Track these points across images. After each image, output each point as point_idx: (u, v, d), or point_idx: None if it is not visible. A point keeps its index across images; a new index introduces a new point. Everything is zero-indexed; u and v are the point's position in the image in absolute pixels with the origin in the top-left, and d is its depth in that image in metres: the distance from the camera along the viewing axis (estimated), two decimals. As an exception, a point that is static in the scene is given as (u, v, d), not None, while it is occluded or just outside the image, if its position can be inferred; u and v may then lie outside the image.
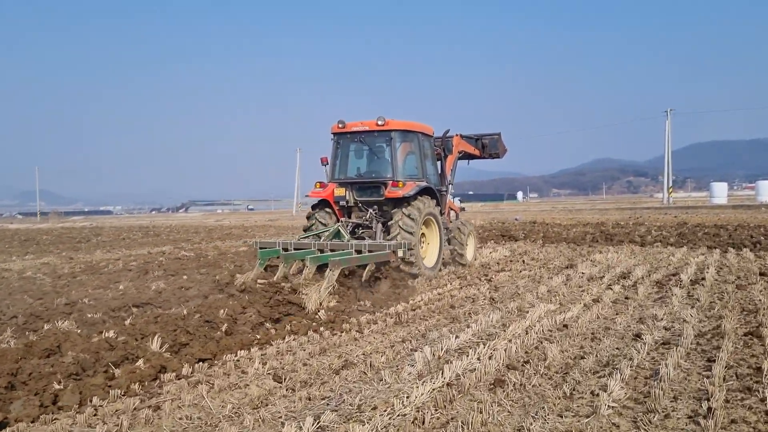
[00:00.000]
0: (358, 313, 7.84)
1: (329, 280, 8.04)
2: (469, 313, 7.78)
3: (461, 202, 34.51)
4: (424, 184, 10.64)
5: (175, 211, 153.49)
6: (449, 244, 11.90)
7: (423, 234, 10.73)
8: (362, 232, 10.71)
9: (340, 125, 10.84)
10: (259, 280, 8.64)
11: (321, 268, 8.68)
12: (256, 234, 27.72)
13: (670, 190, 49.73)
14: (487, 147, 13.64)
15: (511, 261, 13.60)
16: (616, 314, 7.31)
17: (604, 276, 10.51)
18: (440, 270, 11.35)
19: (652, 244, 16.51)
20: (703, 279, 9.60)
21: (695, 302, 7.84)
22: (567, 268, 11.91)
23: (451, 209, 12.87)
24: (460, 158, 13.09)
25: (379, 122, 10.40)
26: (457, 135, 12.71)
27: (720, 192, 47.67)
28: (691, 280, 9.68)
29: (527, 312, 7.52)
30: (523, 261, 13.43)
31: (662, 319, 6.85)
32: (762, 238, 16.45)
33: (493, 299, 8.73)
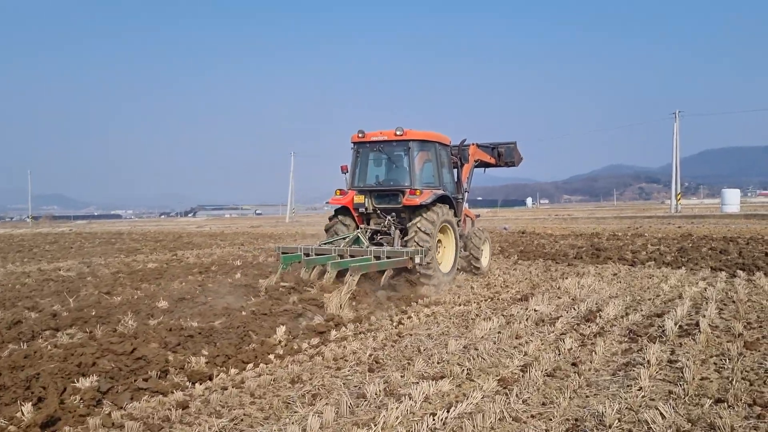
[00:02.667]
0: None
1: (349, 285, 8.41)
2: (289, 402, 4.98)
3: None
4: (440, 192, 10.82)
5: (184, 216, 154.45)
6: (465, 250, 12.12)
7: (439, 241, 10.90)
8: (380, 238, 10.93)
9: (360, 135, 11.06)
10: (281, 284, 9.09)
11: (341, 273, 9.03)
12: (219, 243, 25.23)
13: (679, 196, 46.45)
14: (503, 155, 13.70)
15: (459, 287, 10.79)
16: (539, 411, 4.41)
17: (560, 317, 7.65)
18: (455, 277, 11.38)
19: (644, 263, 13.60)
20: (697, 328, 6.70)
21: (677, 379, 4.98)
22: (520, 300, 9.06)
23: (467, 216, 12.97)
24: (476, 166, 13.22)
25: (398, 132, 10.63)
26: (473, 144, 12.89)
27: (732, 199, 44.11)
28: (679, 328, 6.80)
29: (381, 408, 4.65)
30: (471, 288, 10.57)
31: (610, 426, 3.99)
32: (779, 257, 13.48)
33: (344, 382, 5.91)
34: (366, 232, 10.86)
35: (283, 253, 10.25)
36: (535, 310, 8.11)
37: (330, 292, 8.34)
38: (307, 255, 9.92)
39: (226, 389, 5.00)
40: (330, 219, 11.39)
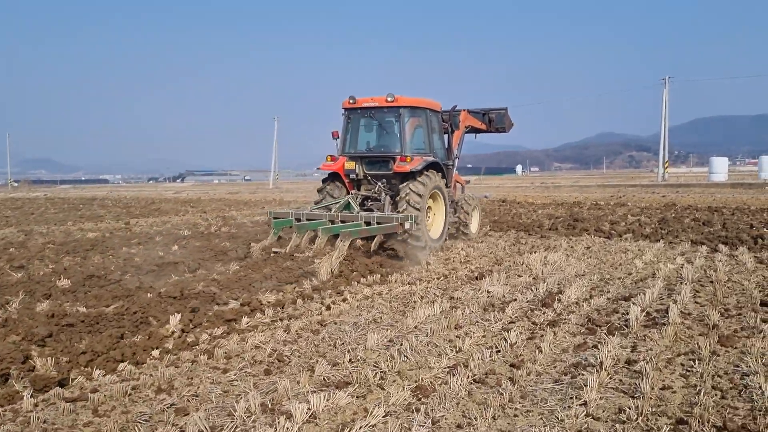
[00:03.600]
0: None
1: (340, 250, 8.48)
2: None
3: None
4: (431, 158, 10.74)
5: (173, 181, 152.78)
6: (454, 216, 12.16)
7: (429, 207, 10.91)
8: (371, 205, 10.90)
9: (351, 101, 10.97)
10: (273, 249, 9.40)
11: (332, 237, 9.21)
12: (188, 210, 24.04)
13: (666, 164, 45.55)
14: (493, 121, 13.66)
15: (417, 263, 9.81)
16: None
17: (514, 300, 6.69)
18: (445, 241, 11.49)
19: (621, 235, 12.67)
20: (666, 316, 5.75)
21: (632, 389, 4.03)
22: (476, 279, 8.09)
23: (458, 182, 12.91)
24: (467, 132, 13.16)
25: (389, 99, 10.55)
26: (464, 110, 12.83)
27: (720, 167, 43.20)
28: (645, 316, 5.86)
29: None
30: (427, 264, 9.58)
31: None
32: (765, 229, 12.58)
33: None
34: (357, 198, 10.85)
35: (274, 218, 10.30)
36: (487, 292, 7.14)
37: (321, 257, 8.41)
38: (299, 220, 10.01)
39: (71, 401, 3.98)
40: (322, 183, 11.32)
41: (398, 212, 9.91)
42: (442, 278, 8.35)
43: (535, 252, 10.42)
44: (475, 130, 13.59)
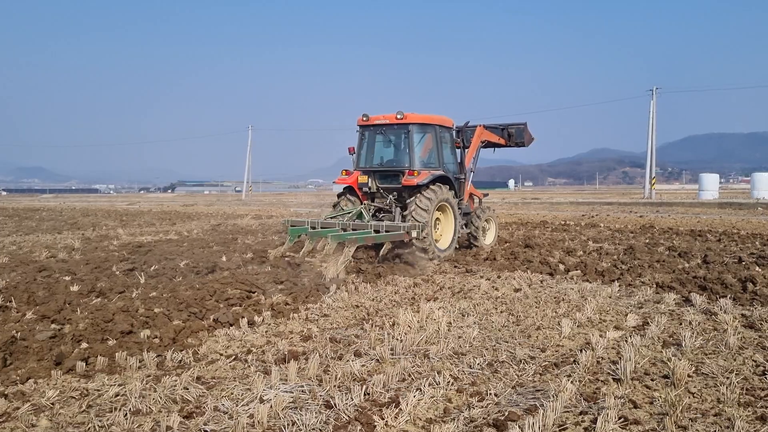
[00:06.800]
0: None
1: (345, 256, 8.95)
2: None
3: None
4: (439, 172, 11.16)
5: (163, 191, 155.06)
6: (466, 228, 12.42)
7: (438, 219, 11.31)
8: (383, 216, 11.34)
9: (364, 118, 11.55)
10: (288, 254, 10.16)
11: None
12: (107, 224, 20.84)
13: (653, 180, 42.56)
14: (513, 136, 13.76)
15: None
16: None
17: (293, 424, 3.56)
18: (455, 250, 11.68)
19: (569, 270, 9.61)
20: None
21: None
22: (280, 362, 4.93)
23: (474, 195, 13.31)
24: (483, 147, 13.38)
25: (398, 116, 11.10)
26: (480, 125, 13.13)
27: (710, 185, 40.10)
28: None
29: None
30: (270, 326, 6.41)
31: None
32: (758, 267, 9.48)
33: None
34: (370, 209, 11.35)
35: (291, 225, 10.80)
36: (260, 400, 3.99)
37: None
38: (314, 228, 10.38)
39: None
40: (338, 196, 11.97)
41: (406, 222, 10.34)
42: (259, 351, 5.17)
43: (430, 300, 7.31)
44: (493, 145, 13.73)
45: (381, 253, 10.04)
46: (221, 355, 5.16)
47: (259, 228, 18.37)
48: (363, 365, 4.76)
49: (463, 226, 12.24)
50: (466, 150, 12.75)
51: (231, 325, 6.13)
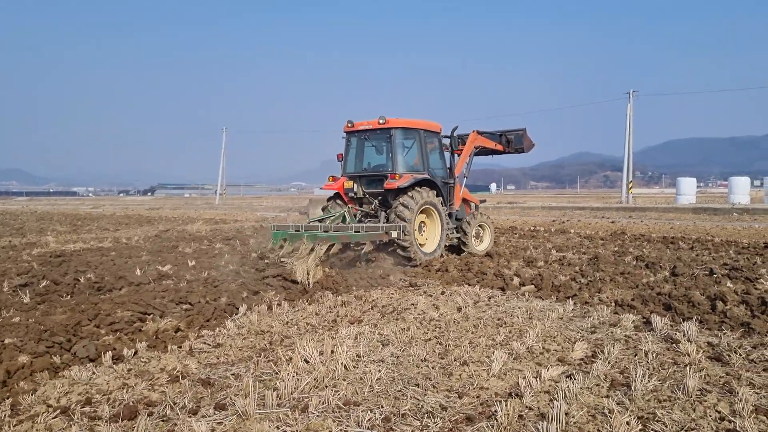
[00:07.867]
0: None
1: (316, 254, 8.85)
2: None
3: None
4: (422, 176, 11.13)
5: (143, 194, 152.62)
6: (456, 232, 12.31)
7: (423, 222, 11.45)
8: (368, 221, 11.39)
9: (349, 125, 11.69)
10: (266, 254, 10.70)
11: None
12: (56, 229, 19.50)
13: (631, 184, 41.99)
14: (512, 142, 13.61)
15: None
16: None
17: None
18: (442, 256, 11.60)
19: (523, 284, 8.66)
20: None
21: None
22: (116, 418, 3.85)
23: (467, 200, 13.15)
24: (477, 153, 13.20)
25: (381, 121, 11.17)
26: (473, 131, 13.03)
27: (688, 189, 39.57)
28: None
29: None
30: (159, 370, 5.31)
31: None
32: (729, 283, 8.55)
33: None
34: (356, 213, 11.49)
35: (276, 229, 10.57)
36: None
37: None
38: (297, 231, 10.21)
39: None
40: (327, 201, 11.94)
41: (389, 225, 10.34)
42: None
43: (354, 324, 6.28)
44: (491, 151, 13.63)
45: (363, 251, 10.25)
46: (49, 407, 4.05)
47: (209, 234, 17.20)
48: (216, 425, 3.69)
49: (453, 231, 12.13)
50: (457, 155, 12.67)
51: (92, 361, 5.03)
